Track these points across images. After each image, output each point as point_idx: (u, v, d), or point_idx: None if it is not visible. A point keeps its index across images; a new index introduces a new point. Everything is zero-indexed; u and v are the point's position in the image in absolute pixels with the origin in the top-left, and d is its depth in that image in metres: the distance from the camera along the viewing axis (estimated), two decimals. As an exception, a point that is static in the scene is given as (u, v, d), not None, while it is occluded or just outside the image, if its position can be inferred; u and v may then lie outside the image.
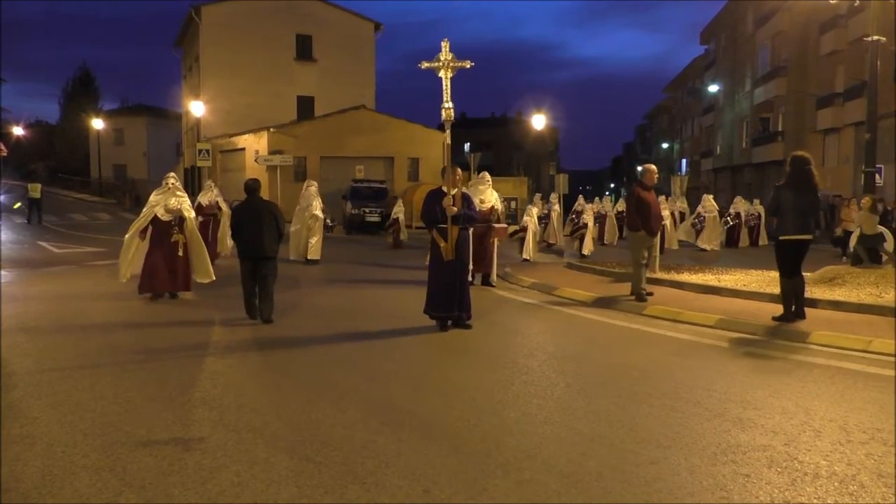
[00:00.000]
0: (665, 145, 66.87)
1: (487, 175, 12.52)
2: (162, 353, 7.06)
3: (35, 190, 30.05)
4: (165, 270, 9.96)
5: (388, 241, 20.81)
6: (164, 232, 10.03)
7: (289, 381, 6.03)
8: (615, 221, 22.59)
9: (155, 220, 10.06)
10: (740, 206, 22.32)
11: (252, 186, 8.81)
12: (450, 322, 8.07)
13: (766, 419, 4.92)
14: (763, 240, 22.26)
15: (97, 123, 46.72)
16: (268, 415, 5.03)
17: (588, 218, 17.70)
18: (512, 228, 15.59)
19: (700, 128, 53.06)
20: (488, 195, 11.95)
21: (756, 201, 23.86)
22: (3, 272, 13.61)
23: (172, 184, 10.30)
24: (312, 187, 15.83)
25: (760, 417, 4.95)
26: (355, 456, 4.22)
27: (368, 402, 5.33)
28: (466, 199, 8.32)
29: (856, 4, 12.05)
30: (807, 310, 8.38)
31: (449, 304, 8.00)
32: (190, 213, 10.33)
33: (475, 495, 3.73)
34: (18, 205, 31.61)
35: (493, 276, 11.98)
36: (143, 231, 10.15)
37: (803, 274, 8.49)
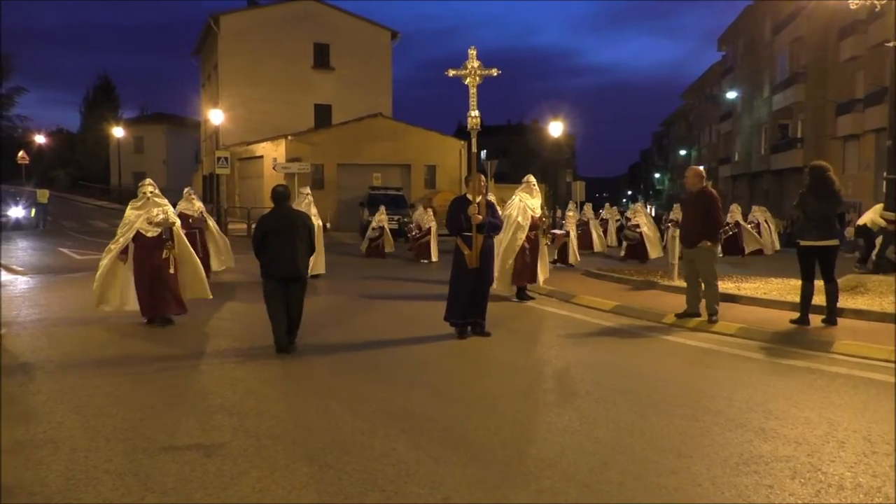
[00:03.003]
0: (683, 152, 66.50)
1: (532, 178, 11.35)
2: (181, 359, 7.12)
3: (43, 196, 32.18)
4: (159, 292, 8.62)
5: (362, 250, 19.41)
6: (150, 249, 8.60)
7: (308, 388, 6.05)
8: (599, 229, 22.31)
9: (138, 237, 8.60)
10: (737, 214, 21.88)
11: (281, 194, 7.53)
12: (469, 329, 8.06)
13: (788, 429, 4.86)
14: (771, 246, 21.79)
15: (117, 131, 47.31)
16: (287, 421, 5.05)
17: (570, 226, 17.26)
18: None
19: (718, 134, 52.75)
20: (536, 202, 11.16)
21: (755, 208, 23.33)
22: (25, 278, 13.80)
23: (151, 192, 8.82)
24: (309, 197, 13.90)
25: (783, 427, 4.90)
26: (375, 463, 4.23)
27: (388, 410, 5.34)
28: (491, 208, 8.27)
29: (876, 10, 11.92)
30: (828, 318, 8.36)
31: (468, 311, 8.02)
32: (177, 221, 9.04)
33: (495, 504, 3.72)
34: (35, 211, 32.56)
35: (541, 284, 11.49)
36: (124, 252, 8.67)
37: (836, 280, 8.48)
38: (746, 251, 20.57)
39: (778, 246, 22.50)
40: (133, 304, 8.73)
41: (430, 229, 18.37)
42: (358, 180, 31.33)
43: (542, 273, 11.47)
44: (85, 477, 4.04)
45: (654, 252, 18.10)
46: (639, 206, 20.87)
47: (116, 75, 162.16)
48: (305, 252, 7.42)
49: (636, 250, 18.09)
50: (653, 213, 45.87)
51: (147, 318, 8.76)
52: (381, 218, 19.54)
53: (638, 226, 18.25)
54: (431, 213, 19.35)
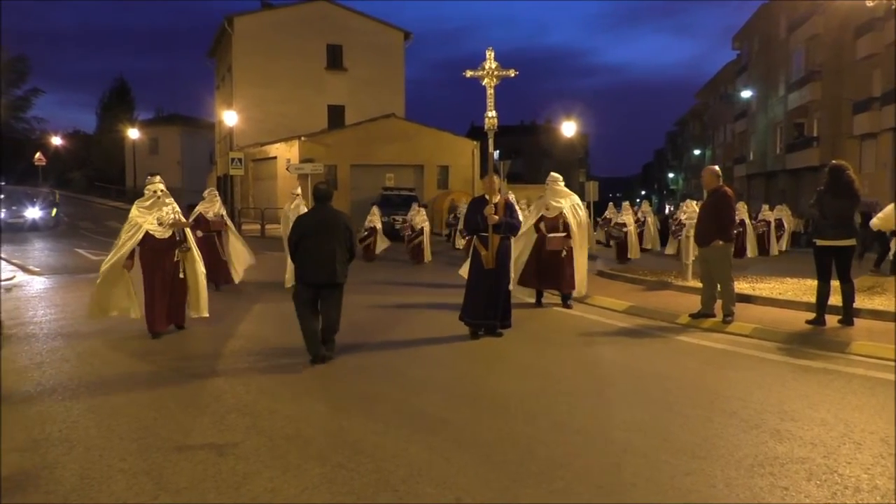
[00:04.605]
0: (697, 152, 66.12)
1: (554, 175, 10.59)
2: (195, 359, 7.16)
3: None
4: (171, 299, 8.07)
5: (365, 251, 17.93)
6: (162, 252, 7.98)
7: (320, 389, 6.06)
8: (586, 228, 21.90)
9: (146, 239, 7.95)
10: (743, 213, 21.44)
11: (324, 193, 7.03)
12: (482, 331, 8.04)
13: (804, 431, 4.82)
14: (774, 249, 21.32)
15: (133, 133, 47.68)
16: (300, 421, 5.06)
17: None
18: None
19: (733, 133, 52.40)
20: (562, 201, 10.37)
21: (765, 208, 22.93)
22: (42, 278, 13.93)
23: (162, 191, 8.12)
24: (299, 199, 12.85)
25: (799, 429, 4.85)
26: (387, 463, 4.23)
27: (400, 410, 5.34)
28: (509, 208, 8.20)
29: (893, 7, 11.74)
30: (845, 319, 8.29)
31: (486, 312, 7.96)
32: (186, 223, 8.46)
33: (508, 504, 3.71)
34: (55, 211, 33.12)
35: (578, 293, 10.50)
36: (130, 257, 7.95)
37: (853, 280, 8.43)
38: (748, 253, 20.27)
39: (784, 247, 22.21)
40: (135, 313, 8.09)
41: (422, 230, 17.97)
42: (371, 181, 31.38)
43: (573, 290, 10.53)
44: (99, 476, 4.06)
45: (633, 253, 17.91)
46: (626, 205, 20.65)
47: (132, 77, 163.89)
48: (344, 257, 6.90)
49: (620, 249, 17.93)
50: (667, 212, 45.66)
51: (153, 332, 7.95)
52: (371, 219, 18.61)
53: (624, 225, 18.07)
54: (424, 213, 18.91)
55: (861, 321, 8.51)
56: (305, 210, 12.76)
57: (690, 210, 19.35)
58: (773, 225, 21.71)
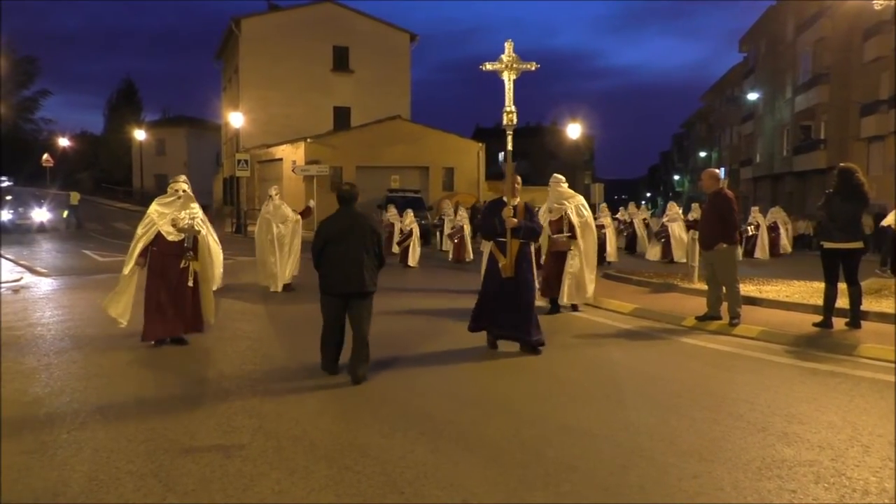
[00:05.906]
0: (703, 154, 65.95)
1: (557, 176, 10.37)
2: (202, 361, 7.18)
3: (74, 198, 33.51)
4: (173, 308, 7.59)
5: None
6: (169, 256, 7.62)
7: (327, 391, 6.06)
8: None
9: (158, 240, 7.62)
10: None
11: (348, 195, 6.52)
12: (495, 342, 7.65)
13: (812, 434, 4.80)
14: (762, 252, 20.74)
15: (140, 134, 47.91)
16: (306, 423, 5.07)
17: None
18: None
19: (739, 136, 52.29)
20: (565, 202, 10.15)
21: (754, 209, 22.55)
22: (49, 279, 13.99)
23: (185, 192, 7.79)
24: (276, 199, 12.58)
25: (806, 432, 4.84)
26: (394, 466, 4.23)
27: (407, 413, 5.34)
28: (528, 211, 7.70)
29: (901, 9, 11.71)
30: (852, 322, 8.26)
31: (495, 319, 7.52)
32: (203, 229, 7.91)
33: (514, 507, 3.71)
34: (66, 213, 33.25)
35: (567, 300, 10.08)
36: (144, 255, 7.63)
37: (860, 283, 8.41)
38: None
39: (790, 249, 22.02)
40: (124, 321, 7.75)
41: (411, 232, 17.85)
42: (376, 182, 31.41)
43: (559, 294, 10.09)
44: (107, 478, 4.08)
45: (611, 255, 17.86)
46: (604, 205, 20.57)
47: (139, 79, 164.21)
48: (373, 263, 6.38)
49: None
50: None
51: (153, 341, 7.64)
52: (394, 219, 18.81)
53: (603, 226, 18.07)
54: (412, 214, 18.79)
55: (868, 324, 8.48)
56: (289, 211, 12.59)
57: (672, 213, 19.45)
58: (763, 227, 21.39)
